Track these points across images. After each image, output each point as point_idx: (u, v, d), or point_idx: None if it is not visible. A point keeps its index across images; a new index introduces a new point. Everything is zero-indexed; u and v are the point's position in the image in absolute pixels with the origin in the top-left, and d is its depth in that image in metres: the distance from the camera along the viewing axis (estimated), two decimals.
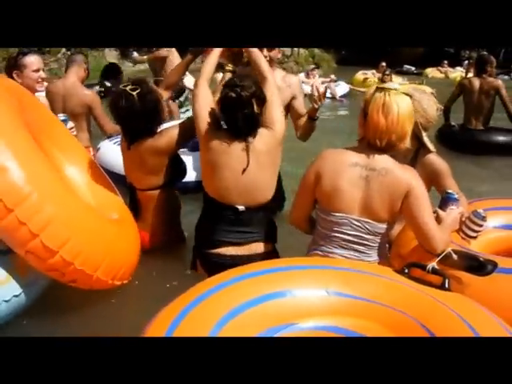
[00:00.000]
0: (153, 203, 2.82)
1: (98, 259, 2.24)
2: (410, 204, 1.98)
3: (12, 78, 2.96)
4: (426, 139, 2.47)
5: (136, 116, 2.58)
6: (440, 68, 16.48)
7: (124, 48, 13.72)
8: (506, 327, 1.44)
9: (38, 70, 3.01)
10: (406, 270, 1.80)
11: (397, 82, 11.62)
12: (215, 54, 2.61)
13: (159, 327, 1.49)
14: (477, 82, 5.75)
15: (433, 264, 1.85)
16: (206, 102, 2.42)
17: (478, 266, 1.90)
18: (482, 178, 5.09)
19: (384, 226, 2.09)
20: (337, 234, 2.12)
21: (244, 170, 2.31)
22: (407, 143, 2.05)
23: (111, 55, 18.67)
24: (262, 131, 2.33)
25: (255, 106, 2.26)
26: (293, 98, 3.16)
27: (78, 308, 2.40)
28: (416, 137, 2.45)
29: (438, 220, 2.14)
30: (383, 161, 2.02)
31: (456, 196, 2.24)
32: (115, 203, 2.82)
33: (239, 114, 2.23)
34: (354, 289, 1.69)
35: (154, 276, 2.74)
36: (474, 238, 2.25)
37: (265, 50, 2.92)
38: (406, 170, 2.06)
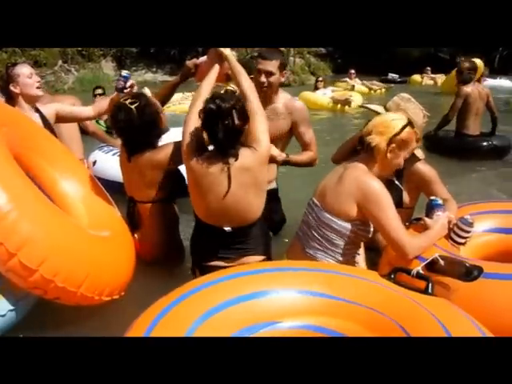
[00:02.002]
0: (152, 216, 2.82)
1: (80, 276, 2.22)
2: (369, 207, 2.12)
3: (11, 94, 2.98)
4: None
5: (135, 129, 2.61)
6: (424, 75, 16.63)
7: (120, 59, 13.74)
8: (483, 332, 1.47)
9: (31, 76, 3.03)
10: (392, 275, 1.85)
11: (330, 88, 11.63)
12: (210, 80, 2.60)
13: (139, 327, 1.57)
14: (476, 90, 5.89)
15: (417, 269, 1.89)
16: (194, 126, 2.40)
17: (464, 271, 1.93)
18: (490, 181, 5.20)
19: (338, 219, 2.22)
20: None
21: (226, 193, 2.29)
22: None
23: (108, 67, 18.77)
24: (243, 151, 2.31)
25: (236, 120, 2.24)
26: (294, 124, 3.01)
27: (73, 319, 2.42)
28: None
29: (426, 228, 2.21)
30: (355, 160, 2.26)
31: (440, 202, 2.29)
32: (110, 217, 2.81)
33: (219, 126, 2.21)
34: (335, 290, 1.75)
35: (154, 286, 2.74)
36: (463, 244, 2.27)
37: (263, 76, 2.86)
38: (367, 175, 2.22)
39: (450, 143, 6.07)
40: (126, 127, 2.64)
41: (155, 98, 2.90)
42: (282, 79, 2.98)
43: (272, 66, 2.85)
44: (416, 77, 16.92)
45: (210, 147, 2.35)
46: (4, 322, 2.23)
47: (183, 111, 9.18)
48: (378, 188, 2.12)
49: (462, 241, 2.27)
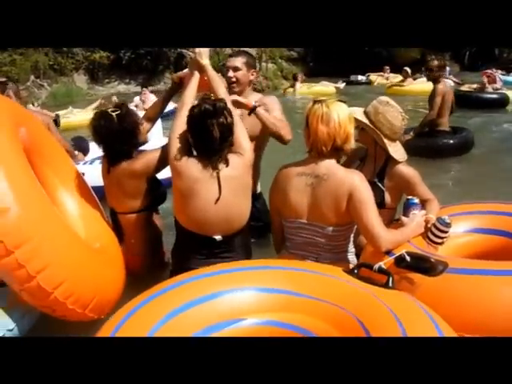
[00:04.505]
0: (133, 227, 2.84)
1: (88, 298, 2.30)
2: (354, 205, 2.13)
3: None
4: (392, 150, 2.55)
5: (113, 136, 2.66)
6: (382, 74, 16.45)
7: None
8: (439, 327, 1.49)
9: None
10: (356, 270, 1.89)
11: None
12: (191, 88, 2.64)
13: (108, 328, 1.63)
14: (448, 87, 6.16)
15: (380, 264, 1.92)
16: (180, 131, 2.42)
17: (429, 266, 1.97)
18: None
19: (335, 228, 2.23)
20: (294, 237, 2.36)
21: (217, 200, 2.30)
22: (352, 143, 2.26)
23: (80, 80, 18.61)
24: (231, 157, 2.35)
25: (229, 118, 2.29)
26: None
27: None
28: (383, 148, 2.56)
29: (402, 225, 2.27)
30: (326, 166, 2.22)
31: (416, 201, 2.34)
32: (104, 232, 2.84)
33: (215, 125, 2.25)
34: (297, 286, 1.79)
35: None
36: (440, 244, 2.30)
37: (230, 72, 2.98)
38: (349, 172, 2.23)
39: (424, 142, 6.10)
40: (106, 133, 2.68)
41: (143, 118, 2.98)
42: (251, 77, 3.09)
43: (237, 61, 3.00)
44: (373, 77, 17.00)
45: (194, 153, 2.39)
46: (11, 335, 2.28)
47: None
48: (365, 184, 2.17)
49: (439, 241, 2.29)
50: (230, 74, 3.00)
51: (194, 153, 2.40)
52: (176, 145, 2.39)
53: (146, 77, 18.37)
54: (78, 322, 2.39)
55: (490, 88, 11.35)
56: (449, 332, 1.51)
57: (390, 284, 1.77)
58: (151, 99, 9.40)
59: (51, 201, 2.63)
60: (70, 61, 17.89)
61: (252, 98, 3.06)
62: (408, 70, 13.95)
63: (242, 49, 3.23)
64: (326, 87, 14.51)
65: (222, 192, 2.30)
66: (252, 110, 2.80)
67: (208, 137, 2.28)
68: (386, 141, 2.53)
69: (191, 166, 2.32)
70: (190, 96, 2.60)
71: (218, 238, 2.37)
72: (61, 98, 15.04)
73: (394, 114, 2.55)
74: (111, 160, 2.76)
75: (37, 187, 2.30)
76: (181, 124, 2.42)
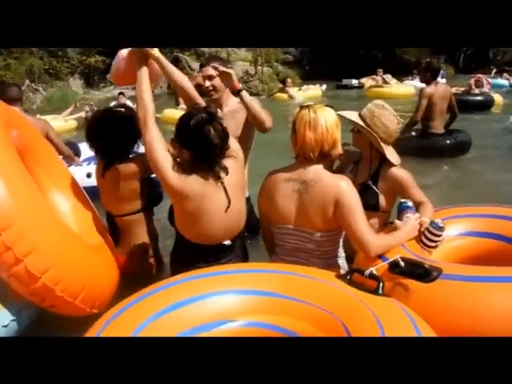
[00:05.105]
0: (130, 229, 2.86)
1: (78, 287, 2.31)
2: (341, 211, 2.11)
3: None
4: (388, 153, 2.54)
5: (110, 135, 2.72)
6: (375, 77, 16.38)
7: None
8: (420, 334, 1.49)
9: None
10: (348, 276, 1.88)
11: None
12: (145, 87, 2.42)
13: (95, 328, 1.66)
14: (439, 90, 6.08)
15: (371, 269, 1.91)
16: (160, 145, 2.25)
17: (423, 272, 1.94)
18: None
19: (323, 234, 2.21)
20: (283, 243, 2.35)
21: (227, 208, 2.28)
22: (339, 149, 2.24)
23: (76, 84, 18.61)
24: (227, 162, 2.30)
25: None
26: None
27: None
28: (378, 151, 2.56)
29: (395, 229, 2.25)
30: (313, 172, 2.21)
31: (410, 204, 2.32)
32: (96, 229, 2.86)
33: (213, 131, 2.17)
34: (288, 290, 1.80)
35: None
36: (434, 247, 2.28)
37: (206, 82, 3.02)
38: (336, 177, 2.21)
39: (417, 143, 6.18)
40: (104, 132, 2.74)
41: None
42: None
43: (210, 70, 3.03)
44: (364, 80, 17.15)
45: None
46: (6, 332, 2.28)
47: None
48: (352, 190, 2.15)
49: (433, 244, 2.27)
50: (207, 83, 3.04)
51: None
52: (166, 162, 2.19)
53: None
54: (71, 318, 2.39)
55: (476, 90, 11.53)
56: None
57: (380, 290, 1.76)
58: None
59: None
60: (66, 65, 17.95)
61: (231, 101, 3.14)
62: (380, 71, 14.07)
63: (212, 54, 3.23)
64: (313, 90, 14.96)
65: (231, 199, 2.28)
66: (238, 92, 2.86)
67: (209, 146, 2.18)
68: (382, 144, 2.53)
69: (194, 185, 2.20)
70: (149, 97, 2.39)
71: (227, 243, 2.37)
72: (56, 102, 15.06)
73: (389, 118, 2.55)
74: (107, 162, 2.77)
75: (24, 174, 2.32)
76: (157, 136, 2.25)
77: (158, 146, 2.22)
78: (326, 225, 2.19)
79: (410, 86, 15.04)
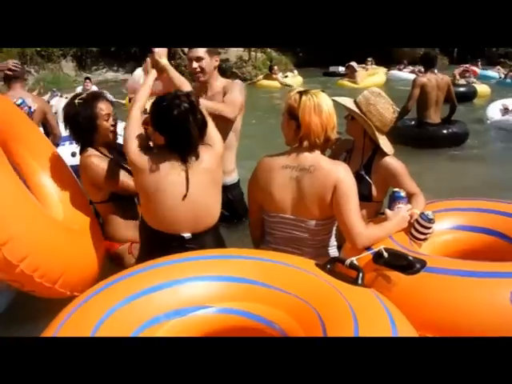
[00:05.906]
0: (107, 215, 2.87)
1: (56, 273, 2.31)
2: (337, 198, 2.09)
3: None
4: (381, 142, 2.51)
5: (77, 123, 2.73)
6: (364, 66, 16.12)
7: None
8: (395, 327, 1.45)
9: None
10: (329, 265, 1.85)
11: None
12: (147, 85, 2.58)
13: (63, 313, 1.62)
14: (433, 79, 6.09)
15: (352, 259, 1.88)
16: (138, 131, 2.34)
17: (406, 264, 1.91)
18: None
19: (318, 222, 2.19)
20: (276, 232, 2.31)
21: (184, 196, 2.22)
22: (335, 133, 2.22)
23: (68, 67, 18.43)
24: (201, 149, 2.28)
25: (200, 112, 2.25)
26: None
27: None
28: (372, 140, 2.53)
29: (386, 220, 2.22)
30: (312, 158, 2.17)
31: (402, 194, 2.29)
32: (82, 212, 2.84)
33: (192, 122, 2.17)
34: (264, 277, 1.78)
35: None
36: (423, 240, 2.25)
37: (194, 63, 3.01)
38: (335, 164, 2.18)
39: (411, 133, 6.20)
40: (71, 121, 2.75)
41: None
42: (215, 63, 3.13)
43: (199, 51, 3.02)
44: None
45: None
46: None
47: None
48: (350, 177, 2.13)
49: (422, 237, 2.23)
50: (194, 65, 3.03)
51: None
52: (135, 142, 2.28)
53: (134, 64, 18.23)
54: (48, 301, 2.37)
55: (462, 81, 11.52)
56: (406, 332, 1.49)
57: (360, 281, 1.73)
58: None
59: (30, 184, 2.73)
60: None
61: (219, 83, 3.15)
62: (354, 64, 13.97)
63: None
64: (292, 78, 14.96)
65: (190, 188, 2.22)
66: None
67: (187, 135, 2.19)
68: (376, 133, 2.50)
69: (157, 162, 2.22)
70: (144, 96, 2.52)
71: (186, 235, 2.27)
72: (48, 84, 14.87)
73: (385, 106, 2.50)
74: (81, 148, 2.81)
75: (2, 160, 2.29)
76: (136, 123, 2.36)
77: (132, 130, 2.32)
78: (322, 213, 2.17)
79: (383, 78, 15.29)
